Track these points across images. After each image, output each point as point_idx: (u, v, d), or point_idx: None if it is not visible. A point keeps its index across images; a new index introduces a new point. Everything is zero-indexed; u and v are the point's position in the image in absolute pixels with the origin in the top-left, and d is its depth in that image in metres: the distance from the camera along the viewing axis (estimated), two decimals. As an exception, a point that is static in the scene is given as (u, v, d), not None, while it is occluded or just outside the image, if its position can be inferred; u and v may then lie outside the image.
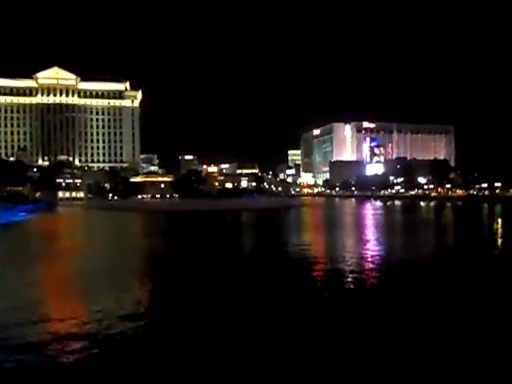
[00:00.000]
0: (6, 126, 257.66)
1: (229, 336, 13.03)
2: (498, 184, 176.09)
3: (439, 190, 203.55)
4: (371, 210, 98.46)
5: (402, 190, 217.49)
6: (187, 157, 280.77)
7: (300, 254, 29.12)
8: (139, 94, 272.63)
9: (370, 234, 45.41)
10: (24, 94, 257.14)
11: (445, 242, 38.87)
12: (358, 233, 46.47)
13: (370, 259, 26.80)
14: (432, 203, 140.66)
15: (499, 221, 64.33)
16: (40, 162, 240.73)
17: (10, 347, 11.97)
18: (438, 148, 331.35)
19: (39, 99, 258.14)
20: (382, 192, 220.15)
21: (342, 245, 34.77)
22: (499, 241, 38.89)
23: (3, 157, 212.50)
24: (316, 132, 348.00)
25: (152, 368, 10.78)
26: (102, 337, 12.90)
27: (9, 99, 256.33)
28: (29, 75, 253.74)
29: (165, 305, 16.92)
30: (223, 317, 14.94)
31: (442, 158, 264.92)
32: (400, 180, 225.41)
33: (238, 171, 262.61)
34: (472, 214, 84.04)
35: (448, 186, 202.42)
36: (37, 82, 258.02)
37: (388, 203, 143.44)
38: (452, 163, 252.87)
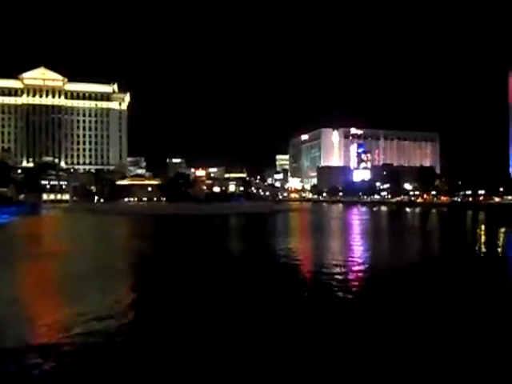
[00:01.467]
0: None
1: (212, 341, 12.94)
2: (481, 191, 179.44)
3: (425, 196, 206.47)
4: (358, 216, 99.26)
5: (389, 196, 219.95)
6: (175, 160, 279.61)
7: (285, 260, 29.15)
8: (127, 97, 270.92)
9: (357, 239, 45.74)
10: (9, 94, 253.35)
11: (429, 246, 39.38)
12: (344, 238, 46.77)
13: (355, 265, 26.96)
14: (417, 209, 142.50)
15: (482, 227, 65.51)
16: (24, 163, 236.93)
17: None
18: (424, 155, 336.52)
19: (25, 100, 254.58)
20: (369, 198, 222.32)
21: (328, 250, 34.93)
22: (482, 246, 39.55)
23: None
24: (304, 137, 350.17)
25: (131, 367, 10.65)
26: (81, 339, 12.70)
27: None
28: (15, 75, 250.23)
29: (148, 306, 16.75)
30: (206, 320, 14.84)
31: (427, 164, 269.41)
32: (386, 186, 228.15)
33: (226, 175, 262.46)
34: (456, 220, 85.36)
35: (433, 192, 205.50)
36: (22, 83, 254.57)
37: (374, 209, 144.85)
38: (437, 170, 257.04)
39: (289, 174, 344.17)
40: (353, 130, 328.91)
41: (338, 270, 24.56)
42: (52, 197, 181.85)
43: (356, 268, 25.60)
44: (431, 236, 52.10)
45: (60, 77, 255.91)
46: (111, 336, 13.21)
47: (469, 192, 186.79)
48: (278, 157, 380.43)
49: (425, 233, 56.25)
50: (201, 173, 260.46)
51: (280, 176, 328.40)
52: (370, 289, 20.18)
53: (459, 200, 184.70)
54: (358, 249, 35.84)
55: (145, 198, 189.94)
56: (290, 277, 22.69)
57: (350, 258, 29.46)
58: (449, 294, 19.02)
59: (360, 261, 28.65)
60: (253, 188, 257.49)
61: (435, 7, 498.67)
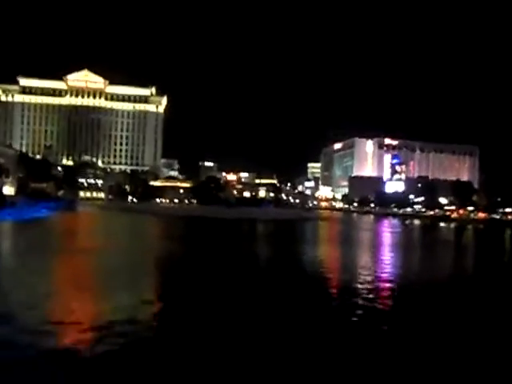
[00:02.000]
0: (34, 124, 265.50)
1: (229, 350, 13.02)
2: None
3: (460, 211, 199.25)
4: (389, 228, 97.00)
5: (422, 210, 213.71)
6: (207, 163, 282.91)
7: (312, 269, 28.91)
8: (164, 100, 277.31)
9: (387, 253, 44.74)
10: (53, 95, 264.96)
11: (462, 265, 37.97)
12: (374, 251, 45.86)
13: (384, 280, 26.39)
14: (452, 224, 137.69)
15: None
16: (64, 161, 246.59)
17: (29, 332, 12.40)
18: (462, 169, 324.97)
19: (68, 100, 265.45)
20: (402, 210, 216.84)
21: (358, 262, 34.37)
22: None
23: (30, 154, 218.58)
24: (337, 146, 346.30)
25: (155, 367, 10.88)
26: (113, 332, 13.09)
27: (39, 99, 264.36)
28: (59, 77, 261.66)
29: (173, 306, 17.05)
30: (227, 325, 14.95)
31: (465, 179, 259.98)
32: (420, 199, 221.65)
33: (257, 181, 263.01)
34: (493, 238, 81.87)
35: (470, 208, 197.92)
36: (66, 84, 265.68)
37: (407, 222, 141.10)
38: (476, 185, 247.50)
39: (320, 182, 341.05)
40: (387, 141, 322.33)
41: (365, 285, 24.13)
42: (88, 194, 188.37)
43: (384, 284, 25.06)
44: (466, 253, 50.23)
45: (102, 79, 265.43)
46: (134, 337, 13.55)
47: (509, 209, 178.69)
48: (310, 165, 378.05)
49: (459, 250, 54.29)
50: (232, 177, 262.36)
51: (311, 184, 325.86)
52: (397, 306, 19.71)
53: (498, 217, 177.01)
54: (388, 263, 35.04)
55: (176, 200, 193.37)
56: (316, 289, 22.48)
57: (379, 273, 28.87)
58: (482, 317, 18.30)
59: (389, 276, 28.01)
60: (283, 194, 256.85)
61: (481, 17, 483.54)
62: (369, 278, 25.24)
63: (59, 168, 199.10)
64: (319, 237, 66.45)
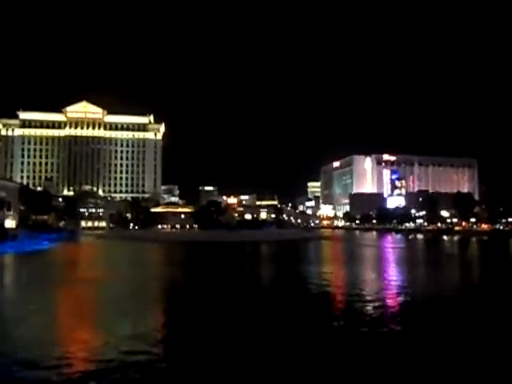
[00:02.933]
0: (34, 157, 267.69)
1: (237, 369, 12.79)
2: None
3: (463, 224, 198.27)
4: (393, 244, 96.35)
5: (425, 224, 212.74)
6: (207, 188, 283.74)
7: (316, 289, 28.60)
8: (162, 127, 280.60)
9: (392, 270, 44.32)
10: (53, 127, 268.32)
11: (470, 279, 37.54)
12: (379, 269, 45.43)
13: (391, 299, 26.07)
14: (456, 237, 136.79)
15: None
16: (65, 191, 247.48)
17: (32, 365, 12.17)
18: (461, 181, 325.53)
19: (67, 132, 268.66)
20: (404, 225, 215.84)
21: (362, 281, 34.00)
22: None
23: (31, 187, 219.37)
24: (336, 164, 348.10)
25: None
26: (116, 365, 12.85)
27: (39, 132, 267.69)
28: (58, 109, 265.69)
29: (180, 333, 16.80)
30: (234, 346, 14.71)
31: (465, 191, 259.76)
32: (422, 213, 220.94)
33: (258, 203, 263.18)
34: (499, 249, 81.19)
35: (472, 220, 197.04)
36: (66, 116, 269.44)
37: (410, 237, 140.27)
38: (476, 197, 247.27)
39: (320, 201, 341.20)
40: (385, 157, 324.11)
41: (370, 304, 23.82)
42: (90, 224, 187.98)
43: (391, 306, 24.76)
44: (472, 267, 49.73)
45: (100, 110, 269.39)
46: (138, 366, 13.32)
47: (511, 219, 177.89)
48: (310, 184, 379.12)
49: (466, 264, 53.78)
50: (232, 200, 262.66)
51: (312, 203, 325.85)
52: (405, 326, 19.42)
53: (501, 228, 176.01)
54: (394, 283, 34.65)
55: (178, 225, 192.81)
56: (321, 308, 22.19)
57: (384, 293, 28.51)
58: (484, 330, 18.00)
59: (397, 298, 27.67)
60: (284, 215, 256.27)
61: (476, 27, 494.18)
62: (373, 299, 24.91)
63: (60, 199, 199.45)
64: (322, 256, 65.94)
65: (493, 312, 21.30)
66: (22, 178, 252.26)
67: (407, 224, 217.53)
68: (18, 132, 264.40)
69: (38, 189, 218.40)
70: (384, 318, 19.56)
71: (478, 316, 20.40)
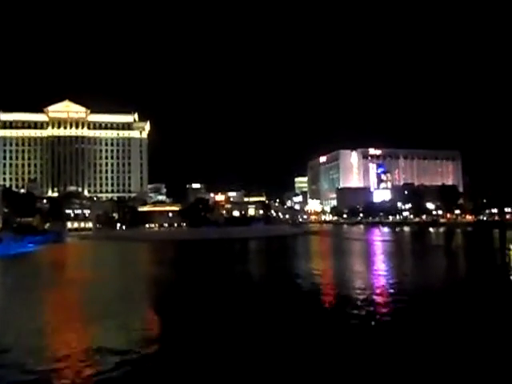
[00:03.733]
0: (17, 158, 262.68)
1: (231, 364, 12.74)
2: (508, 209, 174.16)
3: (448, 215, 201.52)
4: (381, 237, 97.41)
5: (411, 217, 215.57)
6: (195, 185, 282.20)
7: (307, 283, 28.71)
8: (147, 125, 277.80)
9: (380, 262, 44.78)
10: (35, 127, 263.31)
11: (457, 269, 38.16)
12: (367, 261, 45.86)
13: (380, 289, 26.30)
14: (441, 229, 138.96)
15: (511, 246, 63.20)
16: (50, 193, 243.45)
17: (23, 370, 11.99)
18: (446, 174, 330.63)
19: (50, 132, 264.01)
20: (391, 218, 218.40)
21: (351, 274, 34.25)
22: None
23: (14, 189, 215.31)
24: (322, 159, 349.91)
25: None
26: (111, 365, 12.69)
27: (20, 132, 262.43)
28: (40, 109, 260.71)
29: (169, 331, 16.68)
30: (226, 342, 14.66)
31: (449, 183, 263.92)
32: (408, 206, 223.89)
33: (246, 199, 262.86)
34: (483, 239, 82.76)
35: (457, 211, 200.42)
36: (48, 116, 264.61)
37: (397, 229, 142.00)
38: (460, 189, 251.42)
39: (308, 196, 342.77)
40: (371, 151, 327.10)
41: (360, 296, 23.99)
42: (76, 225, 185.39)
43: (380, 297, 24.96)
44: (458, 258, 50.57)
45: (83, 109, 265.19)
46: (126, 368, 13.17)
47: (495, 210, 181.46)
48: (297, 179, 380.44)
49: (451, 254, 54.65)
50: (220, 197, 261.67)
51: (299, 199, 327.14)
52: (396, 315, 19.60)
53: (485, 219, 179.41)
54: (383, 273, 35.00)
55: (166, 224, 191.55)
56: (312, 300, 22.28)
57: (374, 283, 28.76)
58: (473, 320, 18.28)
59: (386, 288, 27.93)
60: (272, 211, 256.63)
61: (456, 22, 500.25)
62: (363, 293, 25.11)
63: (44, 200, 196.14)
64: (311, 251, 66.29)
65: (478, 300, 21.66)
66: (4, 180, 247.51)
67: (394, 217, 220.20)
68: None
69: (22, 191, 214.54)
70: (373, 311, 19.72)
71: (463, 304, 20.72)
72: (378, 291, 25.01)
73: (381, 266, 39.49)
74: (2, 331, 17.52)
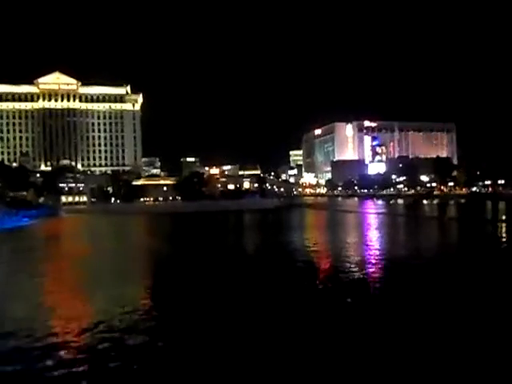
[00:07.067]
0: (8, 131, 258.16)
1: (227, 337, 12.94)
2: (501, 181, 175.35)
3: (442, 187, 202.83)
4: (374, 209, 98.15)
5: (405, 189, 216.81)
6: (189, 159, 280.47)
7: (301, 254, 28.99)
8: (140, 98, 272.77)
9: (374, 235, 45.23)
10: (25, 100, 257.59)
11: (447, 241, 38.67)
12: (361, 234, 46.29)
13: (372, 260, 26.65)
14: (435, 201, 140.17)
15: (503, 217, 64.03)
16: (43, 167, 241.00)
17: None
18: (440, 146, 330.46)
19: (40, 104, 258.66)
20: (385, 191, 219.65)
21: (345, 246, 34.61)
22: (504, 236, 38.66)
23: (6, 162, 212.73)
24: (317, 132, 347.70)
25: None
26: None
27: (10, 105, 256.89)
28: (30, 81, 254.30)
29: (164, 304, 16.88)
30: (221, 313, 14.86)
31: (444, 156, 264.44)
32: (402, 179, 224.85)
33: (240, 172, 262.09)
34: (476, 211, 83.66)
35: (451, 183, 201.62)
36: (38, 88, 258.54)
37: (391, 202, 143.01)
38: (455, 161, 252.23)
39: (303, 169, 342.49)
40: (366, 123, 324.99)
41: (352, 269, 24.25)
42: (70, 199, 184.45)
43: (372, 267, 25.27)
44: (451, 228, 51.18)
45: (74, 81, 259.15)
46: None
47: (488, 182, 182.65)
48: (292, 152, 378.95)
49: (443, 226, 55.29)
50: (215, 171, 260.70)
51: (294, 172, 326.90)
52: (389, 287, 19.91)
53: (478, 191, 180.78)
54: (376, 245, 35.37)
55: (160, 198, 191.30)
56: (307, 270, 22.55)
57: (367, 254, 29.10)
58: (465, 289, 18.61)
59: (378, 258, 28.26)
60: (267, 184, 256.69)
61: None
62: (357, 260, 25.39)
63: (38, 174, 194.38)
64: (305, 223, 66.78)
65: (465, 270, 22.05)
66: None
67: (388, 190, 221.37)
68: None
69: (14, 165, 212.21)
70: (365, 282, 20.03)
71: (449, 275, 21.09)
72: (367, 263, 25.35)
73: (374, 237, 39.93)
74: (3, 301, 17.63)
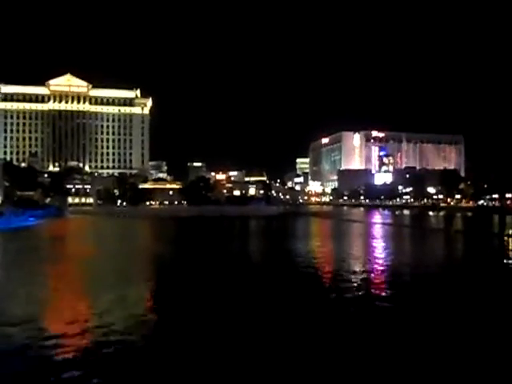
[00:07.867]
0: (18, 131, 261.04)
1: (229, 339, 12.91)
2: (508, 195, 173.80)
3: (448, 200, 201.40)
4: (380, 220, 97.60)
5: (411, 200, 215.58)
6: (196, 164, 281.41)
7: (303, 265, 28.88)
8: (149, 102, 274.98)
9: (379, 245, 44.95)
10: (36, 101, 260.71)
11: (453, 253, 38.32)
12: (365, 245, 46.05)
13: (376, 272, 26.47)
14: (441, 213, 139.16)
15: (511, 231, 63.31)
16: (51, 167, 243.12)
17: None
18: (448, 158, 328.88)
19: (51, 106, 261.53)
20: (391, 201, 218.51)
21: (347, 257, 34.41)
22: (510, 250, 38.24)
23: (15, 162, 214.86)
24: (325, 140, 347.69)
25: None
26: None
27: (21, 105, 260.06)
28: (41, 82, 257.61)
29: (166, 306, 16.87)
30: (222, 314, 14.83)
31: (451, 168, 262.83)
32: (409, 190, 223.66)
33: (246, 179, 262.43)
34: (482, 224, 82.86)
35: (458, 196, 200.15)
36: (49, 89, 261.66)
37: (397, 213, 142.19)
38: (462, 173, 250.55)
39: (309, 177, 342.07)
40: (374, 133, 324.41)
41: (356, 277, 24.11)
42: (77, 200, 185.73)
43: (376, 280, 25.12)
44: (456, 241, 50.74)
45: (85, 83, 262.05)
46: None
47: (495, 196, 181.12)
48: (299, 160, 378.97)
49: (449, 238, 54.84)
50: (221, 176, 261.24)
51: (300, 179, 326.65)
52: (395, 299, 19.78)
53: (485, 204, 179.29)
54: (380, 257, 35.18)
55: (166, 202, 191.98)
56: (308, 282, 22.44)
57: (371, 267, 28.92)
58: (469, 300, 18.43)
59: (382, 272, 28.09)
60: (273, 191, 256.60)
61: (463, 9, 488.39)
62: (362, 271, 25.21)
63: (45, 175, 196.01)
64: (310, 232, 66.54)
65: (470, 283, 21.82)
66: (5, 153, 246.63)
67: (394, 200, 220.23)
68: (0, 106, 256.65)
69: (23, 165, 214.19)
70: (369, 291, 19.90)
71: (454, 287, 20.88)
72: (374, 272, 25.19)
73: (379, 248, 39.67)
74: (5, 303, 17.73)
